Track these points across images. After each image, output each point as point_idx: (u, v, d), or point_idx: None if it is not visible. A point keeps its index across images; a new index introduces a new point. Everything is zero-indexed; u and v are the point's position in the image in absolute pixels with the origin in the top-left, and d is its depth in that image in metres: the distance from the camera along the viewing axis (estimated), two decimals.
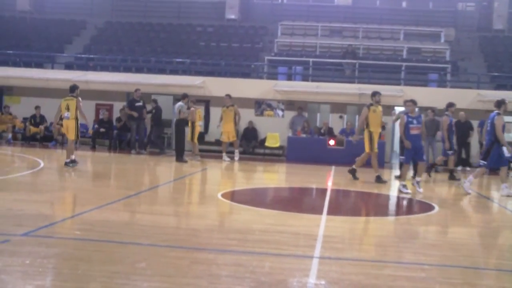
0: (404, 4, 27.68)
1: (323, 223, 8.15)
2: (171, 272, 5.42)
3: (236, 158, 17.82)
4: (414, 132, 12.14)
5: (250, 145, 20.31)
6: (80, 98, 13.97)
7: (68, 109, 13.79)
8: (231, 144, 18.14)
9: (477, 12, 26.90)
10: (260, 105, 20.89)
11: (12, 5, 27.34)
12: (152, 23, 26.58)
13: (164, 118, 20.08)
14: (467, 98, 18.98)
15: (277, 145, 20.19)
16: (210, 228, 7.69)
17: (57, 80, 20.23)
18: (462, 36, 25.08)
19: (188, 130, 17.22)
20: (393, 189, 13.25)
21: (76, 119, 13.90)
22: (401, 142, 13.27)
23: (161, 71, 22.01)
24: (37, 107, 20.62)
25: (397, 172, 15.03)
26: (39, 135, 20.67)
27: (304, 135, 19.16)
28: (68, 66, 22.81)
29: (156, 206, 9.45)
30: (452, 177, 14.95)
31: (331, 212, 9.39)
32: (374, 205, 11.40)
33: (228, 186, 13.02)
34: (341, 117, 20.87)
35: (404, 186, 12.10)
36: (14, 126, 20.82)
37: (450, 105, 15.20)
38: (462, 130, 17.22)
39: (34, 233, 6.65)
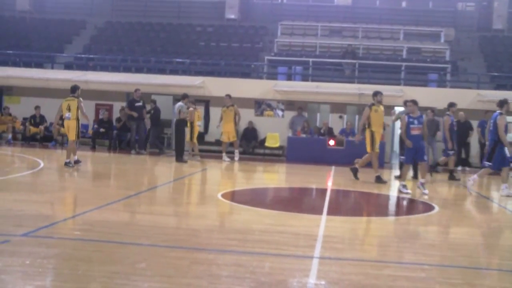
0: (404, 4, 27.67)
1: (323, 223, 8.15)
2: (171, 273, 5.42)
3: (236, 158, 17.82)
4: (415, 132, 12.11)
5: (250, 145, 20.31)
6: (81, 99, 13.98)
7: (69, 109, 13.80)
8: (231, 144, 18.15)
9: (477, 12, 26.90)
10: (260, 105, 20.89)
11: (12, 5, 27.34)
12: (152, 23, 26.58)
13: (164, 118, 20.07)
14: (466, 98, 18.97)
15: (277, 145, 20.19)
16: (210, 228, 7.69)
17: (57, 80, 20.24)
18: (462, 36, 25.08)
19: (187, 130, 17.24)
20: (393, 189, 13.25)
21: (77, 119, 13.92)
22: (402, 142, 13.28)
23: (161, 71, 22.01)
24: (37, 107, 20.62)
25: (397, 172, 15.03)
26: (39, 135, 20.66)
27: (304, 135, 19.16)
28: (68, 66, 22.81)
29: (156, 207, 9.45)
30: (452, 177, 14.95)
31: (331, 212, 9.39)
32: (374, 205, 11.39)
33: (228, 186, 13.01)
34: (341, 117, 20.87)
35: (404, 186, 12.09)
36: (14, 127, 20.81)
37: (452, 105, 15.20)
38: (461, 130, 17.22)
39: (34, 234, 6.65)
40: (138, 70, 22.33)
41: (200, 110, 19.45)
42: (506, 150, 11.84)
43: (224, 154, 17.74)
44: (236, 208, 9.80)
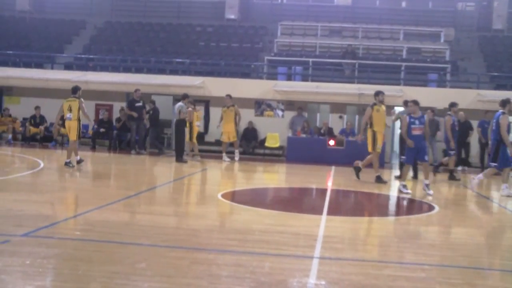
0: (403, 4, 27.68)
1: (323, 223, 8.15)
2: (171, 273, 5.42)
3: (236, 158, 17.82)
4: (416, 132, 12.09)
5: (250, 145, 20.30)
6: (82, 99, 13.99)
7: (70, 110, 13.81)
8: (231, 144, 18.15)
9: (476, 12, 26.90)
10: (260, 105, 20.88)
11: (12, 5, 27.34)
12: (151, 23, 26.58)
13: (164, 118, 20.07)
14: (466, 98, 18.96)
15: (277, 145, 20.19)
16: (210, 228, 7.69)
17: (57, 80, 20.24)
18: (462, 36, 25.08)
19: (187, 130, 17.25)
20: (393, 189, 13.25)
21: (79, 120, 13.93)
22: (402, 142, 13.27)
23: (161, 71, 22.01)
24: (37, 108, 20.61)
25: (397, 172, 15.03)
26: (39, 135, 20.66)
27: (304, 135, 19.16)
28: (68, 66, 22.81)
29: (156, 207, 9.45)
30: (452, 177, 14.95)
31: (331, 212, 9.39)
32: (374, 205, 11.39)
33: (228, 186, 13.01)
34: (341, 117, 20.86)
35: (404, 186, 12.08)
36: (14, 127, 20.81)
37: (453, 104, 15.21)
38: (461, 130, 17.20)
39: (34, 234, 6.65)
40: (138, 70, 22.34)
41: (200, 110, 19.46)
42: (508, 150, 11.83)
43: (224, 154, 17.74)
44: (236, 208, 9.80)
